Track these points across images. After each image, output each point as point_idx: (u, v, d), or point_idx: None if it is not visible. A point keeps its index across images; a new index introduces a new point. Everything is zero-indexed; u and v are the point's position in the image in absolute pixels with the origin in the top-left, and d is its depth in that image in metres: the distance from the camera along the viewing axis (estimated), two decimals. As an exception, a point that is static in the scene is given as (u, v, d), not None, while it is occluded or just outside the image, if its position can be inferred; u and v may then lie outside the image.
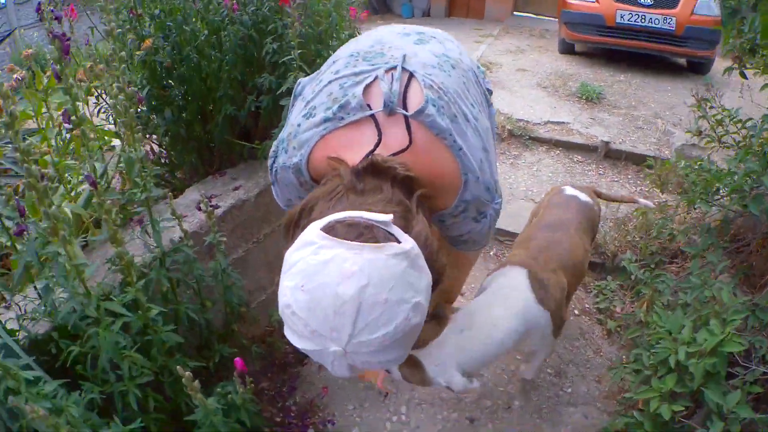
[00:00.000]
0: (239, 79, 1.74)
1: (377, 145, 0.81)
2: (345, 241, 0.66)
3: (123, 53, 1.19)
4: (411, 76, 0.85)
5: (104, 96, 1.69)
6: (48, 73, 1.65)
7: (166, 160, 1.98)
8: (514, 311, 1.33)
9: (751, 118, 1.84)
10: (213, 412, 1.02)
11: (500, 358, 1.61)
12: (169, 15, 1.68)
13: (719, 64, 4.75)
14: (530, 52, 5.72)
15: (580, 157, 3.34)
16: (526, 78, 4.70)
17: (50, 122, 1.68)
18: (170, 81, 1.74)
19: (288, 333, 0.69)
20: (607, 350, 1.99)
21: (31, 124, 1.86)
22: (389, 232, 0.69)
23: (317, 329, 0.64)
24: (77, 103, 1.26)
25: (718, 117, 1.94)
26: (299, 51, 1.48)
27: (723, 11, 2.05)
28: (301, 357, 1.82)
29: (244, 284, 1.49)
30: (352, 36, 1.86)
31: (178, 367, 0.91)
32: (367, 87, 0.83)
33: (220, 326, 1.49)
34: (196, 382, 0.93)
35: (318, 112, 0.85)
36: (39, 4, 1.36)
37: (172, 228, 1.35)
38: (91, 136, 1.43)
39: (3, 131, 0.84)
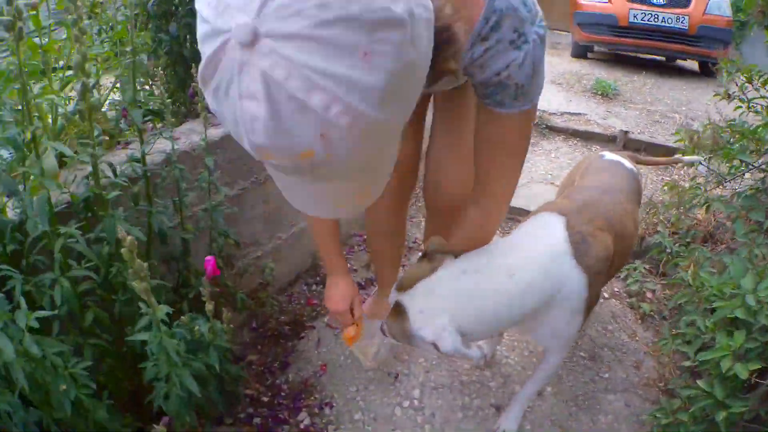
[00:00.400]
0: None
1: None
2: None
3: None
4: None
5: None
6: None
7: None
8: (540, 262, 1.00)
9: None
10: (169, 335, 0.80)
11: (510, 329, 1.24)
12: None
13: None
14: (541, 56, 5.65)
15: (598, 147, 3.17)
16: (538, 76, 4.59)
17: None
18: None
19: (198, 29, 0.47)
20: (642, 335, 1.77)
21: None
22: None
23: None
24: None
25: (747, 75, 1.80)
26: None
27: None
28: (297, 330, 1.61)
29: (237, 232, 1.30)
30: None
31: (130, 270, 0.71)
32: None
33: (200, 266, 1.28)
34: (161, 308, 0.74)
35: None
36: None
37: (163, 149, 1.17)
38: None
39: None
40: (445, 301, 0.95)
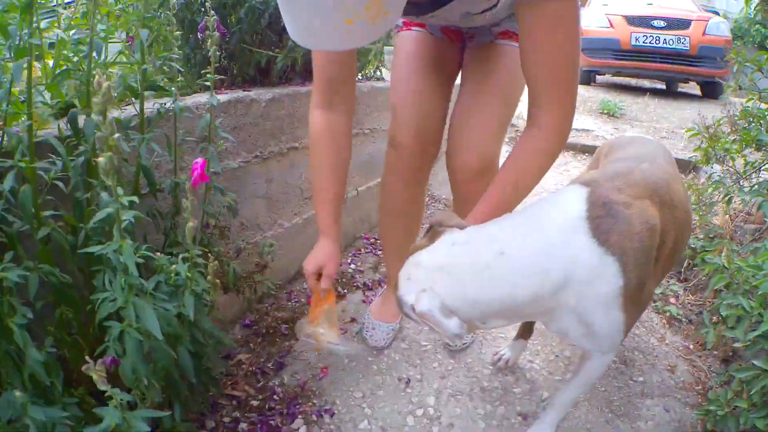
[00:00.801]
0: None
1: None
2: None
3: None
4: None
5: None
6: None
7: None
8: (538, 241, 0.87)
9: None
10: (132, 248, 0.66)
11: (515, 318, 1.03)
12: None
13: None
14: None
15: (608, 161, 3.13)
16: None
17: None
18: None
19: None
20: (671, 339, 1.65)
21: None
22: None
23: None
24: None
25: (758, 64, 1.78)
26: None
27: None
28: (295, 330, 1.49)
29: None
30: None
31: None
32: None
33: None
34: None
35: None
36: None
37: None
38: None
39: None
40: (428, 271, 0.89)
